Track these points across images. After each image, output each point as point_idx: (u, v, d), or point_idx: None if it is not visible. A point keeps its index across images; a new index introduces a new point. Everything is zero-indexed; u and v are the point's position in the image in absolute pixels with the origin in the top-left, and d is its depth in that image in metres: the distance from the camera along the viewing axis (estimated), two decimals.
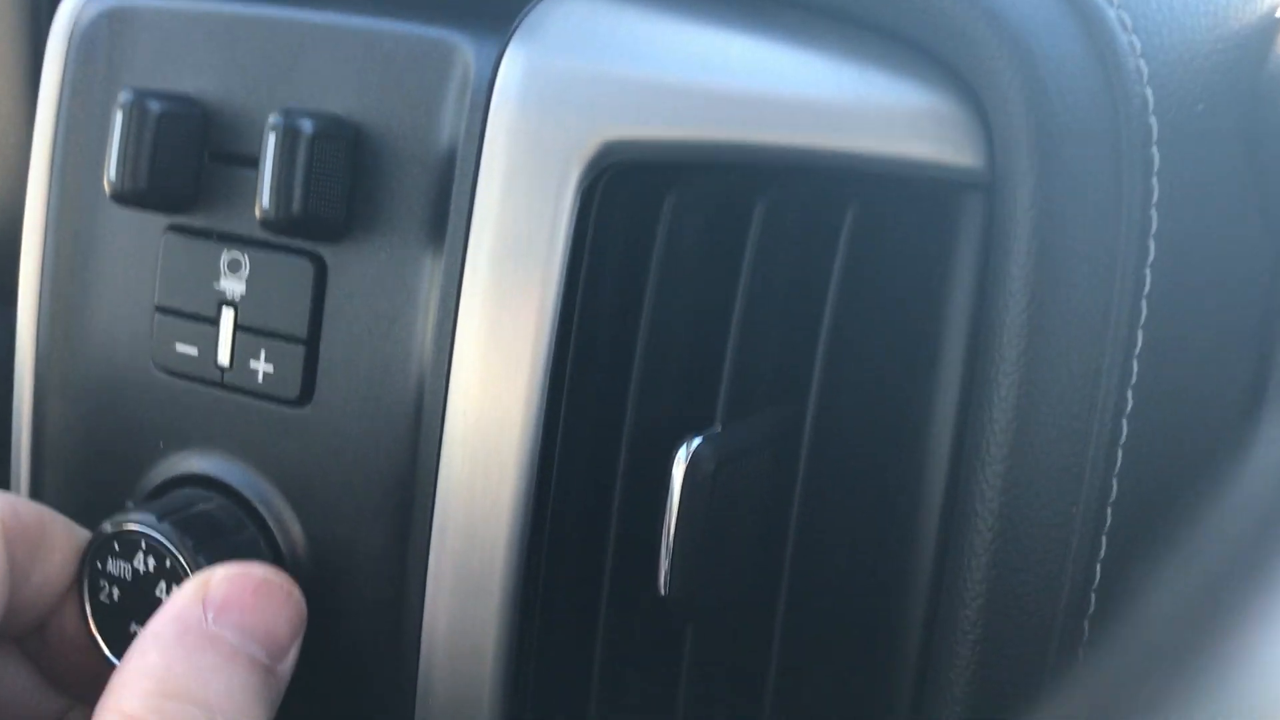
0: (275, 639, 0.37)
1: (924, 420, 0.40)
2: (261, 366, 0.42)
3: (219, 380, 0.43)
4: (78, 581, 0.42)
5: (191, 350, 0.43)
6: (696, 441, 0.40)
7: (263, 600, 0.37)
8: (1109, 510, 0.38)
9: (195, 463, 0.44)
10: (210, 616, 0.36)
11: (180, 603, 0.37)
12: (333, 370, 0.42)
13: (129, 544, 0.41)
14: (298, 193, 0.39)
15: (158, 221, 0.43)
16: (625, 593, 0.41)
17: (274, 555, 0.42)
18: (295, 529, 0.42)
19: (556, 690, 0.42)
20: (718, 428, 0.40)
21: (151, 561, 0.41)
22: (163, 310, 0.43)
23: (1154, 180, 0.38)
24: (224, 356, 0.43)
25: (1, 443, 0.48)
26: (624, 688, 0.43)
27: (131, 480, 0.45)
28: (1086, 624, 0.39)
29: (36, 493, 0.47)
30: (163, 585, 0.41)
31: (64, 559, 0.42)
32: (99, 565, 0.42)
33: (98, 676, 0.39)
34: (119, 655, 0.42)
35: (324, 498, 0.42)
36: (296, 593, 0.38)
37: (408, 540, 0.41)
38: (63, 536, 0.42)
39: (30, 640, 0.43)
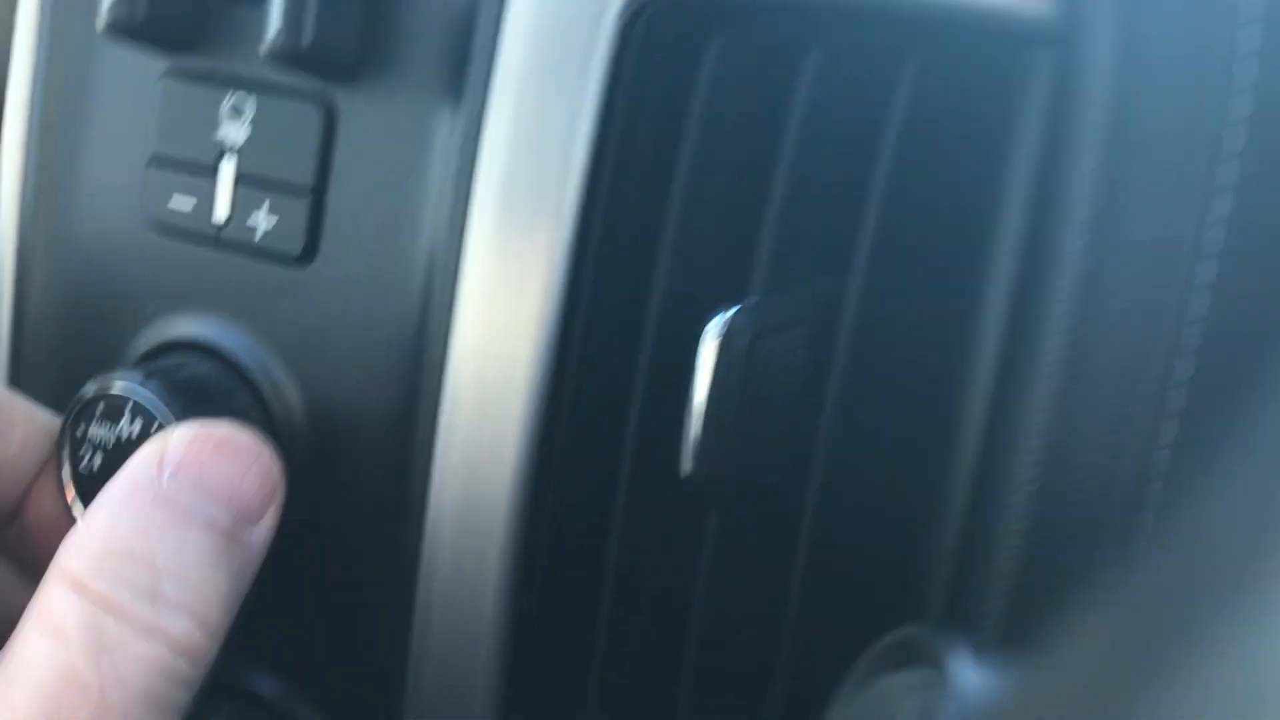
0: (240, 501, 0.34)
1: (975, 297, 0.37)
2: (262, 221, 0.39)
3: (215, 237, 0.40)
4: (57, 450, 0.39)
5: (187, 204, 0.40)
6: (732, 312, 0.37)
7: (225, 459, 0.34)
8: (1179, 392, 0.35)
9: (187, 327, 0.41)
10: (165, 476, 0.33)
11: (134, 464, 0.34)
12: (339, 225, 0.38)
13: (113, 407, 0.38)
14: (309, 21, 0.35)
15: (155, 64, 0.40)
16: (646, 472, 0.38)
17: (268, 423, 0.39)
18: (293, 396, 0.39)
19: (568, 572, 0.39)
20: (755, 299, 0.37)
21: (137, 426, 0.38)
22: (158, 161, 0.40)
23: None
24: (222, 210, 0.40)
25: None
26: (640, 573, 0.40)
27: (118, 347, 0.42)
28: (1146, 518, 0.36)
29: (15, 361, 0.44)
30: None
31: (26, 438, 0.39)
32: (80, 431, 0.39)
33: None
34: None
35: (325, 363, 0.39)
36: (268, 455, 0.35)
37: (415, 410, 0.38)
38: (21, 414, 0.39)
39: (5, 533, 0.40)
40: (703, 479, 0.37)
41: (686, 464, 0.37)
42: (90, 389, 0.38)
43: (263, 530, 0.35)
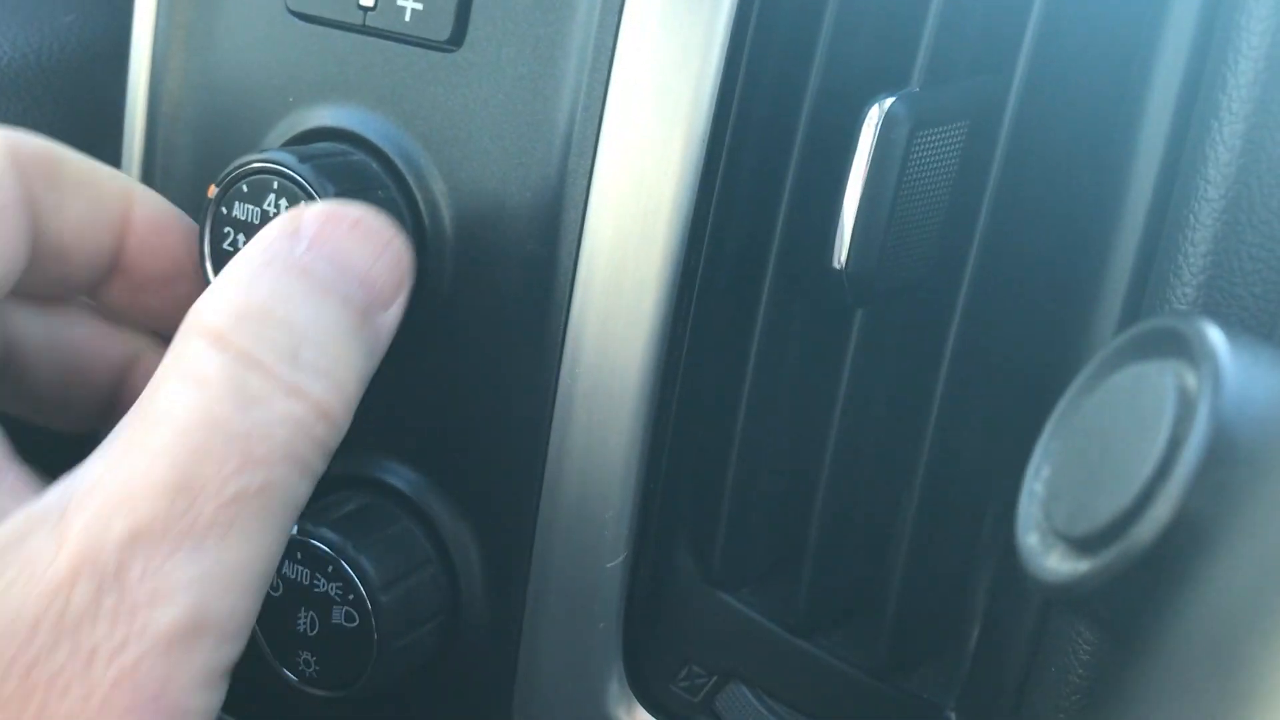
0: (372, 284, 0.34)
1: (1140, 97, 0.36)
2: (410, 4, 0.38)
3: (360, 23, 0.39)
4: (200, 228, 0.39)
5: None
6: (891, 100, 0.36)
7: (359, 241, 0.34)
8: None
9: (328, 115, 0.40)
10: (301, 248, 0.33)
11: (268, 234, 0.33)
12: (488, 9, 0.38)
13: (259, 185, 0.38)
14: None
15: None
16: (793, 265, 0.38)
17: (413, 215, 0.39)
18: (438, 186, 0.39)
19: (708, 367, 0.39)
20: (914, 89, 0.36)
21: (283, 204, 0.38)
22: None
23: None
24: None
25: (115, 99, 0.45)
26: (780, 379, 0.39)
27: (253, 135, 0.42)
28: None
29: (149, 148, 0.44)
30: None
31: (106, 194, 0.38)
32: (224, 210, 0.39)
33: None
34: None
35: (470, 152, 0.38)
36: (401, 242, 0.35)
37: (561, 199, 0.38)
38: (85, 170, 0.38)
39: (107, 289, 0.40)
40: (855, 272, 0.36)
41: (839, 256, 0.36)
42: (236, 165, 0.38)
43: (391, 317, 0.35)
